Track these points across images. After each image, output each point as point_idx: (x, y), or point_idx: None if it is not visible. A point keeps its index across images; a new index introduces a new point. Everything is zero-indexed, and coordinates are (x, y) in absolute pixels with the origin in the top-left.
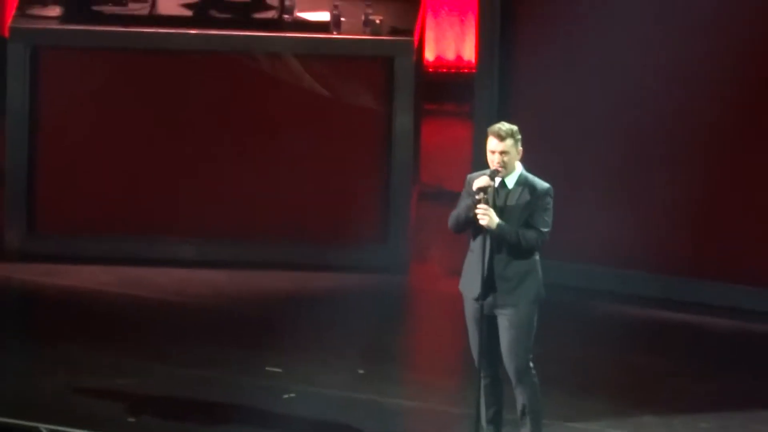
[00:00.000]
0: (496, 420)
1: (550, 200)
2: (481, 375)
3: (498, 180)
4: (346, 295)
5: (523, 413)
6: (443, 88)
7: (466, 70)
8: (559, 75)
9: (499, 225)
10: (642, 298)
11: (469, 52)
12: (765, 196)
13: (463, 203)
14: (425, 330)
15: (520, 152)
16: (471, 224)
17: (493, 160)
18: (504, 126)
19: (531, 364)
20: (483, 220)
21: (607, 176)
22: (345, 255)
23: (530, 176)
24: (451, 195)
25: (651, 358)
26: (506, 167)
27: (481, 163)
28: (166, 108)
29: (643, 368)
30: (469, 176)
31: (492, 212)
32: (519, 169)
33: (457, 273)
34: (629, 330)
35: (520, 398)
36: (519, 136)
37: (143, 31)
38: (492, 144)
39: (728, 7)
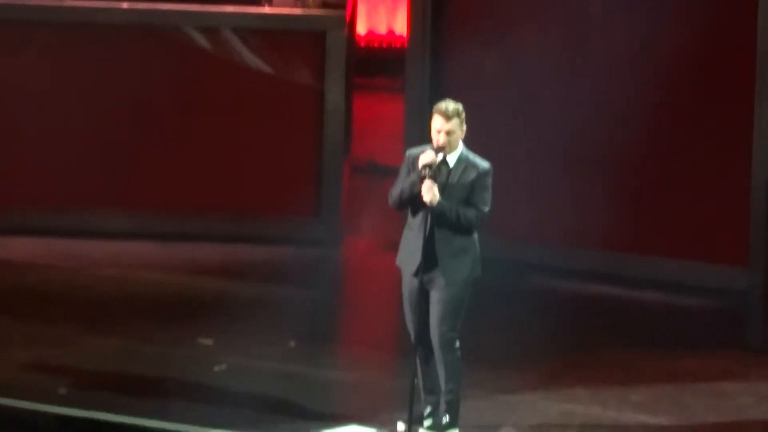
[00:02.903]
0: (434, 390)
1: (489, 180)
2: (418, 348)
3: (440, 157)
4: (278, 268)
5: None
6: (375, 63)
7: (397, 45)
8: (492, 49)
9: (440, 202)
10: (574, 272)
11: (400, 26)
12: (698, 172)
13: (403, 179)
14: (358, 303)
15: (464, 131)
16: (414, 200)
17: (438, 139)
18: (450, 105)
19: (457, 344)
20: (427, 197)
21: (539, 151)
22: (278, 228)
23: (471, 155)
24: (383, 169)
25: (583, 332)
26: (450, 146)
27: (413, 137)
28: (97, 82)
29: (575, 341)
30: (408, 152)
31: (436, 189)
32: (460, 147)
33: (389, 247)
34: (561, 303)
35: (441, 373)
36: (464, 115)
37: (76, 5)
38: (438, 123)
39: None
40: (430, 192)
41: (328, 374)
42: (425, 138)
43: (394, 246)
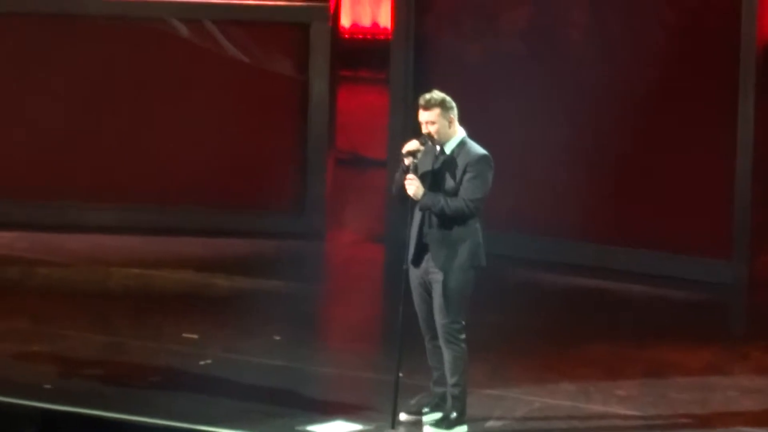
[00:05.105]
0: (440, 382)
1: (484, 168)
2: (424, 337)
3: (438, 148)
4: (263, 261)
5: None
6: (359, 55)
7: (382, 37)
8: (476, 41)
9: (424, 194)
10: (558, 265)
11: (385, 18)
12: (684, 165)
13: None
14: (342, 297)
15: (452, 120)
16: (404, 193)
17: (423, 131)
18: (430, 95)
19: (462, 336)
20: (410, 189)
21: (523, 143)
22: (262, 221)
23: (469, 143)
24: (367, 161)
25: (568, 325)
26: (437, 137)
27: (397, 129)
28: (81, 74)
29: (560, 335)
30: None
31: (417, 182)
32: (460, 135)
33: (373, 240)
34: (548, 297)
35: (447, 366)
36: (450, 105)
37: None
38: (419, 114)
39: None
40: (412, 185)
41: (312, 368)
42: (408, 130)
43: (377, 239)
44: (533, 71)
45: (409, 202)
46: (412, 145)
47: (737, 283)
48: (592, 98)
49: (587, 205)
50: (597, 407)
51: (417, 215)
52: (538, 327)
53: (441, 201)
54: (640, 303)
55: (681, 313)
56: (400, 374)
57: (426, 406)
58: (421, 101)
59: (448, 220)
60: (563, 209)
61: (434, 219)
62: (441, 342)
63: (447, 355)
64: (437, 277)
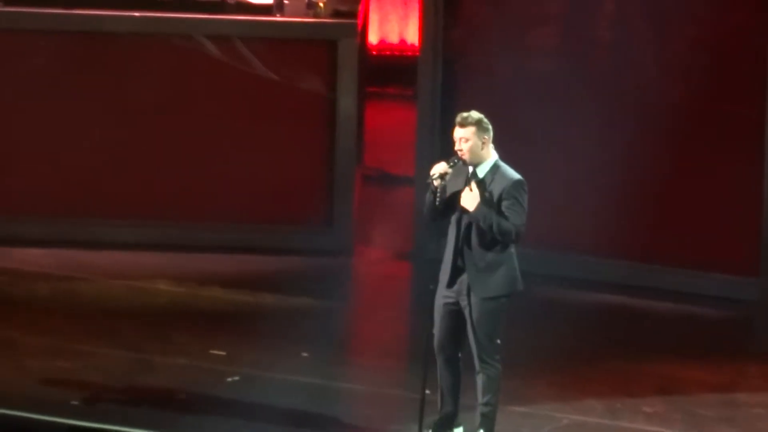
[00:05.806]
0: (447, 402)
1: (521, 193)
2: (440, 357)
3: (470, 169)
4: (290, 278)
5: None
6: (387, 71)
7: (409, 53)
8: (504, 58)
9: (479, 205)
10: (589, 282)
11: (412, 35)
12: (710, 182)
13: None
14: (370, 313)
15: (486, 141)
16: (434, 209)
17: (456, 148)
18: (467, 114)
19: (497, 356)
20: (466, 200)
21: (551, 160)
22: (289, 238)
23: (503, 166)
24: (394, 178)
25: (595, 342)
26: (469, 155)
27: (425, 146)
28: (107, 90)
29: (588, 352)
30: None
31: (475, 193)
32: (492, 158)
33: (400, 256)
34: (576, 314)
35: (479, 385)
36: (486, 126)
37: (85, 14)
38: (455, 131)
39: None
40: (468, 197)
41: (339, 385)
42: (437, 146)
43: (405, 256)
44: (562, 88)
45: (442, 222)
46: (440, 167)
47: (763, 299)
48: (622, 117)
49: (615, 222)
50: (624, 424)
51: (451, 236)
52: (566, 344)
53: (494, 217)
54: (667, 320)
55: (707, 329)
56: (427, 391)
57: (449, 426)
58: (458, 118)
59: (487, 243)
60: (592, 227)
61: (472, 241)
62: (475, 362)
63: (481, 376)
64: (471, 300)
